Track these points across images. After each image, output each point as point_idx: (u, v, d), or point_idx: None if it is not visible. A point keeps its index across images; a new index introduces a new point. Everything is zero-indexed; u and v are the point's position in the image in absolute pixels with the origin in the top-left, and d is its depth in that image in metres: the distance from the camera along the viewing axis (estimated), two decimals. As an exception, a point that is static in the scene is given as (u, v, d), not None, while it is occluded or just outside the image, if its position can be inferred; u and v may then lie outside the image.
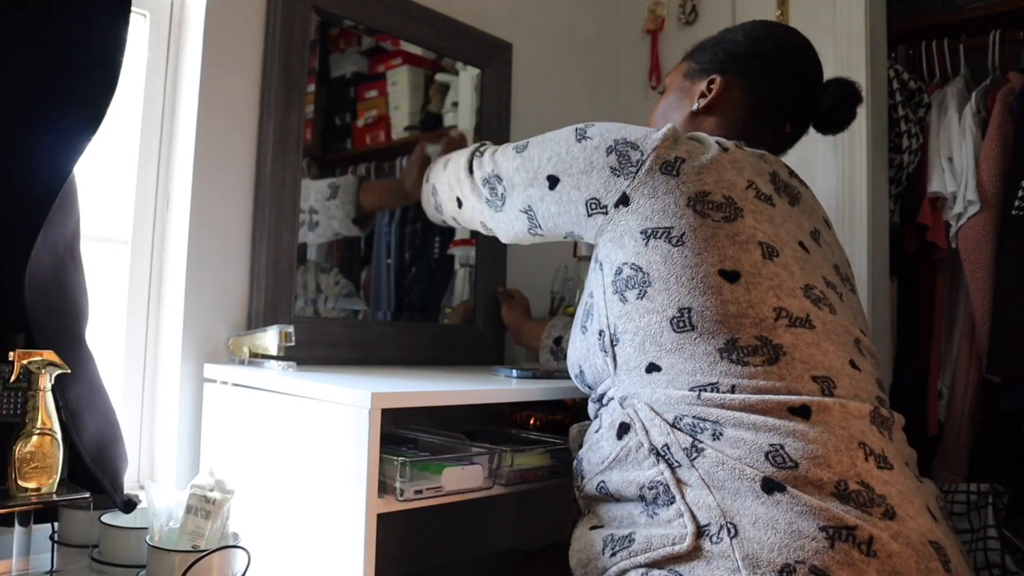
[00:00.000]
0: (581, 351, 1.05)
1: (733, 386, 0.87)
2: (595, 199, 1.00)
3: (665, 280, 0.92)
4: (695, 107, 1.16)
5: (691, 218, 0.93)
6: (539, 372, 1.32)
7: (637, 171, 0.97)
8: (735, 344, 0.89)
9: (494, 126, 1.71)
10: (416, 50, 1.59)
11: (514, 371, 1.30)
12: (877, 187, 1.73)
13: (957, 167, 1.85)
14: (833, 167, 1.69)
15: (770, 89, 1.14)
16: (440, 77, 1.65)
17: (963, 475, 1.86)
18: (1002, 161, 1.78)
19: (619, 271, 0.97)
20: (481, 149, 1.22)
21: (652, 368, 0.92)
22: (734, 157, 1.01)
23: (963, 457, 1.88)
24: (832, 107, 1.16)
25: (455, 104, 1.68)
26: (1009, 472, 1.76)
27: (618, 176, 0.98)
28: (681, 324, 0.90)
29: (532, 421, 1.43)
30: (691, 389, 0.89)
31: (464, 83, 1.69)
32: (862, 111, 1.66)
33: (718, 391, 0.87)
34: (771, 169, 1.06)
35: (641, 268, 0.94)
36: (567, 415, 1.42)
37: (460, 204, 1.24)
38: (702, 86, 1.16)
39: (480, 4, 1.72)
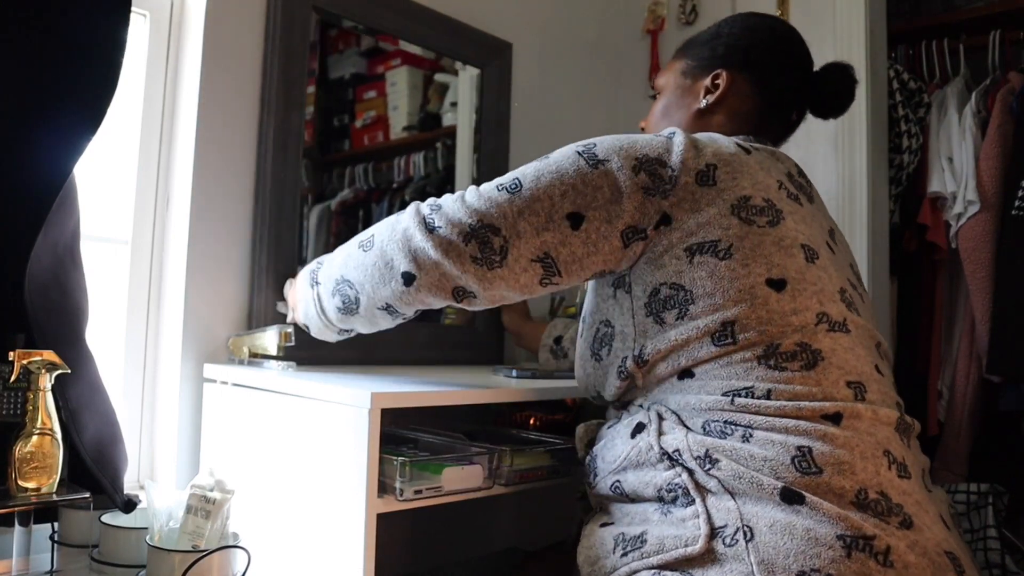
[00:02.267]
0: (596, 377, 1.02)
1: (769, 391, 0.85)
2: (632, 227, 0.91)
3: (711, 295, 0.88)
4: (702, 104, 1.11)
5: (737, 227, 0.90)
6: (539, 372, 1.32)
7: (673, 187, 0.91)
8: (775, 351, 0.86)
9: (493, 126, 1.71)
10: (415, 50, 1.59)
11: (514, 371, 1.30)
12: (877, 187, 1.73)
13: (957, 167, 1.85)
14: (833, 167, 1.70)
15: (775, 79, 1.11)
16: (439, 77, 1.66)
17: (963, 475, 1.86)
18: (1002, 161, 1.78)
19: (655, 292, 0.92)
20: (432, 204, 0.98)
21: (685, 375, 0.90)
22: (757, 157, 0.98)
23: (963, 457, 1.88)
24: (835, 91, 1.14)
25: (454, 104, 1.68)
26: (1009, 472, 1.76)
27: (653, 196, 0.91)
28: (723, 338, 0.87)
29: (532, 421, 1.43)
30: (724, 394, 0.86)
31: (463, 83, 1.69)
32: (862, 111, 1.68)
33: (753, 396, 0.85)
34: (786, 169, 1.04)
35: (683, 286, 0.89)
36: (567, 415, 1.42)
37: (411, 280, 0.96)
38: (706, 82, 1.12)
39: (480, 4, 1.72)
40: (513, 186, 0.94)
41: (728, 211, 0.90)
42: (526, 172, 0.95)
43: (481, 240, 0.93)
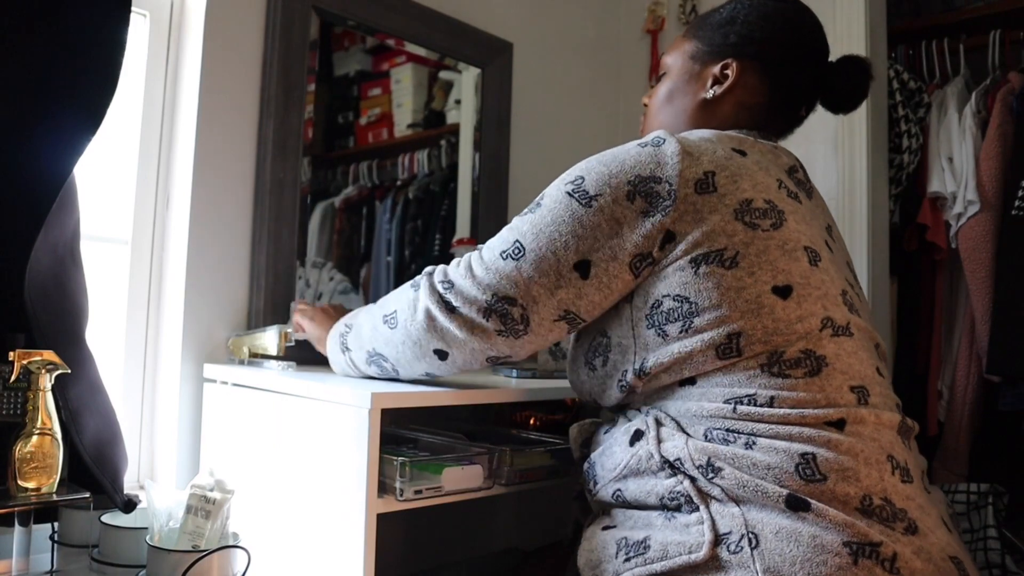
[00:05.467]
0: (591, 386, 1.00)
1: (772, 398, 0.83)
2: (638, 255, 0.88)
3: (716, 307, 0.85)
4: (709, 94, 1.05)
5: (742, 233, 0.87)
6: (539, 372, 1.32)
7: (673, 202, 0.87)
8: (779, 358, 0.85)
9: (494, 126, 1.72)
10: (419, 49, 1.60)
11: (514, 371, 1.30)
12: (877, 187, 1.73)
13: (957, 167, 1.85)
14: (833, 167, 1.70)
15: (787, 74, 1.06)
16: (444, 75, 1.66)
17: (963, 475, 1.86)
18: (1002, 161, 1.78)
19: (657, 304, 0.89)
20: (444, 281, 0.96)
21: (686, 382, 0.89)
22: (754, 157, 0.95)
23: (963, 457, 1.88)
24: (850, 86, 1.09)
25: (458, 101, 1.68)
26: (1009, 472, 1.76)
27: (653, 216, 0.87)
28: (728, 352, 0.85)
29: (532, 421, 1.43)
30: (726, 401, 0.85)
31: (467, 80, 1.69)
32: (862, 111, 1.67)
33: (755, 404, 0.83)
34: (789, 163, 1.01)
35: (687, 298, 0.87)
36: (567, 415, 1.42)
37: (445, 356, 0.98)
38: (714, 70, 1.05)
39: (481, 4, 1.72)
40: (516, 251, 0.92)
41: (732, 216, 0.87)
42: (523, 230, 0.92)
43: (501, 314, 0.92)
